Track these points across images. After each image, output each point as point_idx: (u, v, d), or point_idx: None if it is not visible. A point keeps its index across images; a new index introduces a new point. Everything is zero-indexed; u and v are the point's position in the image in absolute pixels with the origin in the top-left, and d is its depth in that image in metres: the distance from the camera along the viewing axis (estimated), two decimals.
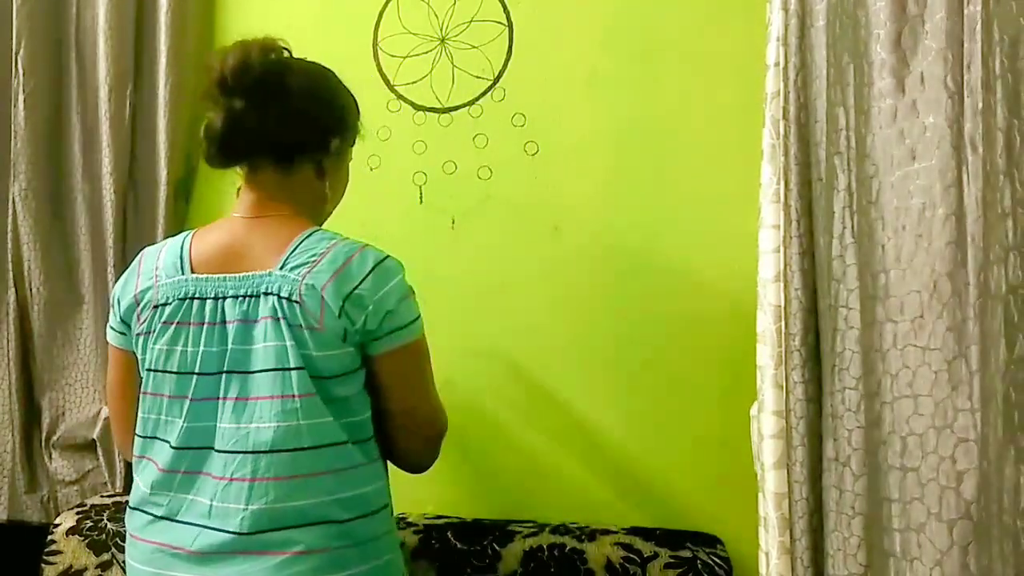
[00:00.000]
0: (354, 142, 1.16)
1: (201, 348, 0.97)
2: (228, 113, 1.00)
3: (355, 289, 0.96)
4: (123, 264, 1.63)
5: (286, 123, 1.03)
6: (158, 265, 1.03)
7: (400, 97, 1.58)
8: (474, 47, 1.55)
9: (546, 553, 1.33)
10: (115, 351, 1.09)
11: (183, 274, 1.00)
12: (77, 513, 1.49)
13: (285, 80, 1.02)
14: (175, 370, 0.99)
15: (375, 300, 0.97)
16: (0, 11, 1.63)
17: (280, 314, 0.95)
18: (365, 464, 1.01)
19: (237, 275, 0.98)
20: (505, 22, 1.54)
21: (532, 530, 1.38)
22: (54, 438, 1.65)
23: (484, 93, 1.54)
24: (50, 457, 1.66)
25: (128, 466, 1.60)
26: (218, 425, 0.97)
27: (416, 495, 1.53)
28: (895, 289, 0.77)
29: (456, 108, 1.55)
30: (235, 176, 1.10)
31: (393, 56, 1.59)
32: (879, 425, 0.79)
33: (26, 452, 1.64)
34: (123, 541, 1.42)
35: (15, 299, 1.64)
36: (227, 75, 0.99)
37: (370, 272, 0.97)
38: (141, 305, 1.02)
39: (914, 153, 0.76)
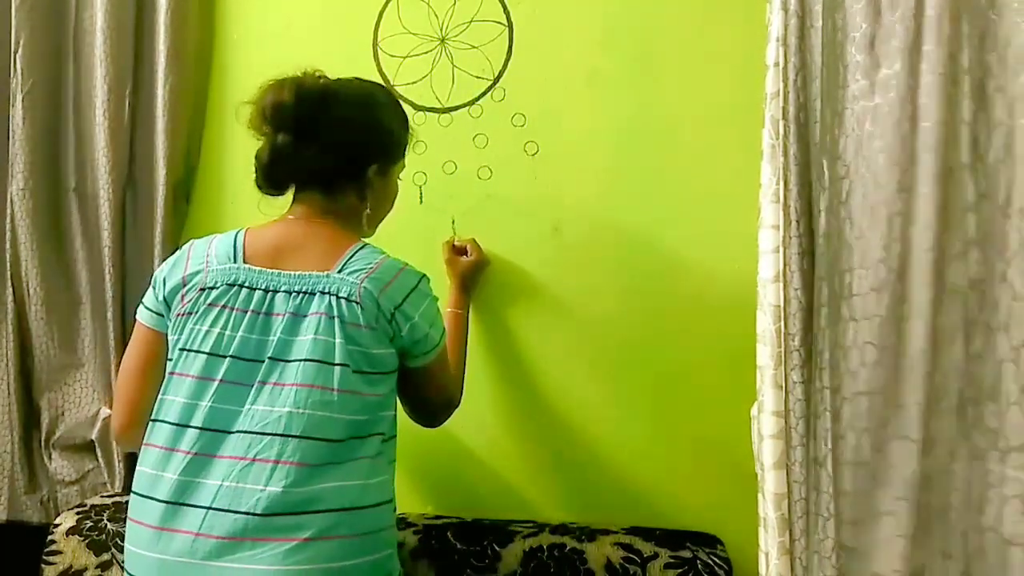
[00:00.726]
0: (400, 158, 1.23)
1: (240, 333, 1.03)
2: (271, 146, 1.10)
3: (402, 303, 1.06)
4: (122, 264, 1.63)
5: (322, 157, 1.11)
6: (209, 252, 1.09)
7: (400, 97, 1.57)
8: (474, 47, 1.55)
9: (546, 553, 1.33)
10: (145, 332, 1.11)
11: (235, 263, 1.06)
12: (77, 513, 1.49)
13: (322, 116, 1.09)
14: (207, 351, 1.02)
15: (415, 319, 1.07)
16: None
17: (335, 312, 1.02)
18: (380, 458, 1.05)
19: (292, 272, 1.05)
20: (505, 22, 1.54)
21: (532, 530, 1.38)
22: (53, 438, 1.65)
23: (484, 93, 1.54)
24: (49, 457, 1.65)
25: (128, 466, 1.60)
26: (248, 408, 1.00)
27: (416, 495, 1.53)
28: (858, 288, 0.80)
29: (456, 108, 1.55)
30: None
31: (393, 56, 1.59)
32: (838, 420, 0.81)
33: (25, 452, 1.64)
34: (123, 541, 1.42)
35: (13, 299, 1.63)
36: (266, 112, 1.09)
37: (412, 291, 1.08)
38: (188, 286, 1.06)
39: (881, 154, 0.78)
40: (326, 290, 1.04)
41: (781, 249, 0.99)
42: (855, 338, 0.79)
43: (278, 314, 1.04)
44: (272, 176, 1.13)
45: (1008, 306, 0.60)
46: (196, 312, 1.04)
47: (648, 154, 1.47)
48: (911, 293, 0.75)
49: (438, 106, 1.56)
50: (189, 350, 1.03)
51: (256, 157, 1.12)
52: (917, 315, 0.74)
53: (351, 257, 1.07)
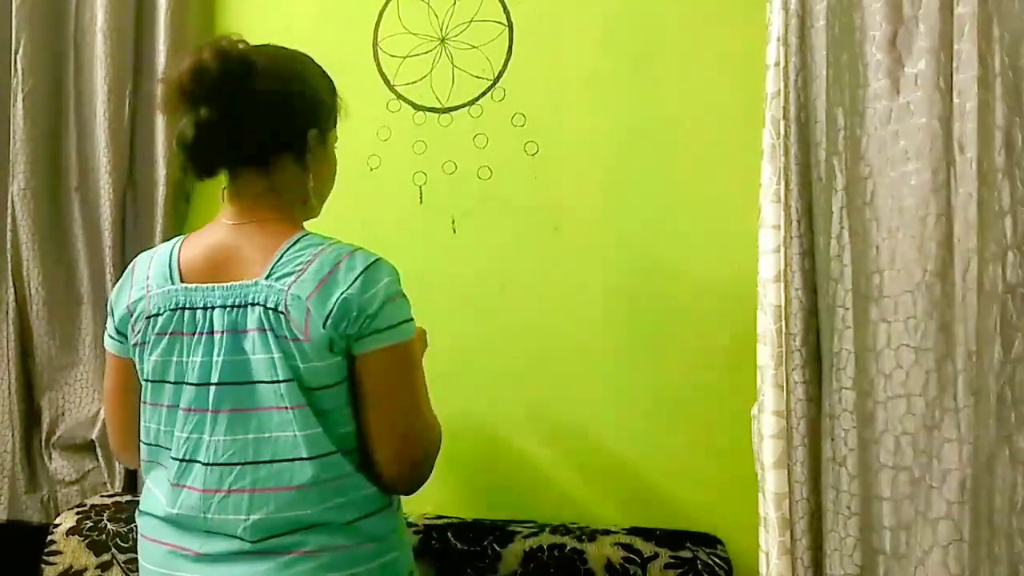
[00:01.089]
0: (335, 124, 1.10)
1: (194, 358, 0.97)
2: (196, 123, 0.97)
3: (341, 295, 0.94)
4: (122, 264, 1.63)
5: (255, 125, 0.99)
6: (149, 274, 1.02)
7: (400, 97, 1.57)
8: (474, 47, 1.55)
9: (546, 553, 1.33)
10: (112, 358, 1.08)
11: (173, 283, 0.99)
12: (77, 513, 1.49)
13: (247, 80, 0.97)
14: (172, 380, 0.98)
15: (359, 303, 0.94)
16: None
17: (267, 325, 0.94)
18: (357, 470, 0.99)
19: (224, 284, 0.97)
20: (505, 22, 1.54)
21: (532, 530, 1.38)
22: (54, 438, 1.65)
23: (484, 93, 1.54)
24: (50, 457, 1.65)
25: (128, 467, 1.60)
26: (206, 438, 0.96)
27: (416, 495, 1.53)
28: (889, 289, 0.78)
29: (456, 108, 1.55)
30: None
31: (393, 56, 1.59)
32: (871, 424, 0.80)
33: (26, 452, 1.64)
34: (123, 541, 1.43)
35: (14, 299, 1.64)
36: (185, 83, 0.95)
37: (358, 276, 0.95)
38: (134, 316, 1.01)
39: (908, 154, 0.77)
40: (256, 300, 0.95)
41: (782, 249, 0.99)
42: (888, 340, 0.77)
43: (218, 332, 0.96)
44: (200, 157, 0.99)
45: None
46: (148, 343, 0.99)
47: (648, 154, 1.47)
48: (955, 295, 0.73)
49: (438, 106, 1.56)
50: (153, 381, 1.00)
51: (177, 139, 0.98)
52: (961, 317, 0.72)
53: (280, 258, 0.97)
